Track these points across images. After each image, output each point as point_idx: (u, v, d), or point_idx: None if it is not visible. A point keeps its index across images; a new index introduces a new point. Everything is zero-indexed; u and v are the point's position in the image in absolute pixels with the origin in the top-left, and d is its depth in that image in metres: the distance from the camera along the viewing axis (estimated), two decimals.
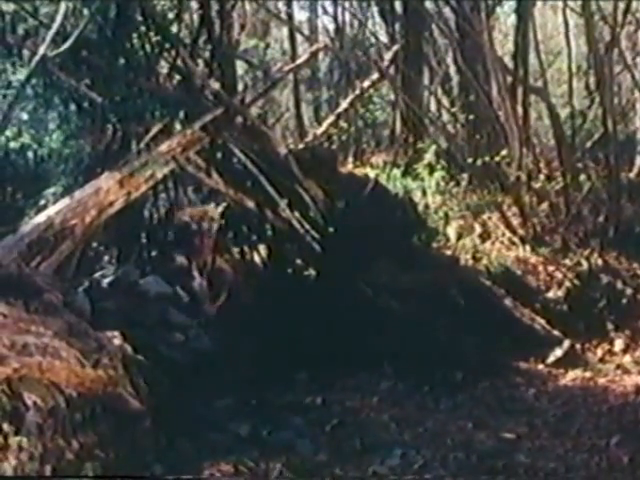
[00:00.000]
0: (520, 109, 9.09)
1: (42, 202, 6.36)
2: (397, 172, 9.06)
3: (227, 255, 6.39)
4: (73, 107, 6.33)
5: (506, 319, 6.52)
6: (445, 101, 10.87)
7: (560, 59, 11.89)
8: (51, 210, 5.49)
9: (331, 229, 6.78)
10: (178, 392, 4.67)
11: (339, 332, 5.77)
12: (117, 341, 4.48)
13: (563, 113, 9.62)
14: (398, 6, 10.75)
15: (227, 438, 4.42)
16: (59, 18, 5.78)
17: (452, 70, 10.94)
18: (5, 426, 3.39)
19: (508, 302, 6.72)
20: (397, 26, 10.93)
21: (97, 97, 6.14)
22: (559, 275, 7.47)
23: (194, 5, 7.09)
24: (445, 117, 10.76)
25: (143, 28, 6.44)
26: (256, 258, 7.00)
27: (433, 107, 11.27)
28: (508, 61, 9.92)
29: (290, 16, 12.42)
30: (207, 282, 5.89)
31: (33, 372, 3.63)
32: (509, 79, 9.13)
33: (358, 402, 5.20)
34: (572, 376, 5.99)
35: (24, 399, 3.53)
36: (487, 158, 8.54)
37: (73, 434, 3.74)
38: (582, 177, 8.66)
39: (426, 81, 11.05)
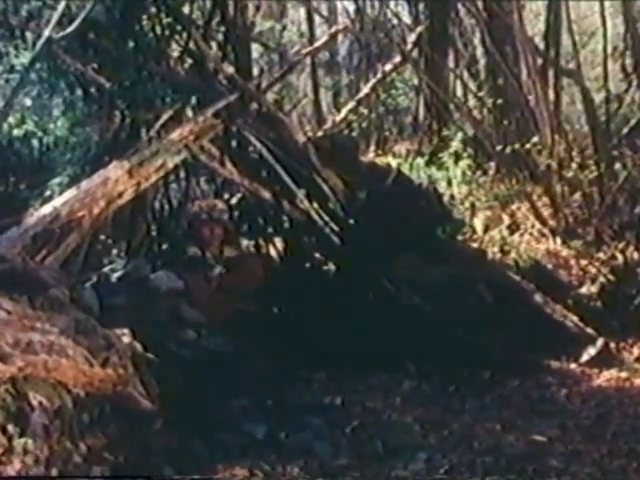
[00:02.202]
0: (551, 93, 9.04)
1: (47, 193, 6.40)
2: (421, 161, 9.04)
3: (240, 248, 6.37)
4: (79, 92, 6.36)
5: (536, 316, 6.48)
6: (472, 85, 10.81)
7: (595, 40, 11.80)
8: (57, 201, 5.52)
9: (351, 221, 6.75)
10: (191, 392, 4.68)
11: (359, 329, 5.76)
12: (126, 339, 4.49)
13: (597, 97, 9.54)
14: None
15: (242, 440, 4.42)
16: None
17: (479, 52, 10.88)
18: (10, 427, 3.40)
19: (538, 298, 6.68)
20: (421, 6, 10.89)
21: (105, 82, 6.16)
22: (592, 269, 7.42)
23: None
24: (472, 102, 10.70)
25: (153, 9, 6.45)
26: (272, 252, 7.01)
27: (459, 92, 11.23)
28: (539, 42, 9.87)
29: None
30: (226, 270, 5.88)
31: (38, 371, 3.64)
32: (540, 61, 9.07)
33: (380, 403, 5.18)
34: (607, 376, 5.95)
35: (29, 399, 3.55)
36: (516, 145, 8.48)
37: (81, 436, 3.75)
38: (617, 165, 8.58)
39: (451, 64, 10.99)
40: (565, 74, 9.72)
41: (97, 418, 3.92)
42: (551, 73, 9.14)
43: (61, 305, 4.28)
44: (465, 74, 11.00)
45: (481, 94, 10.23)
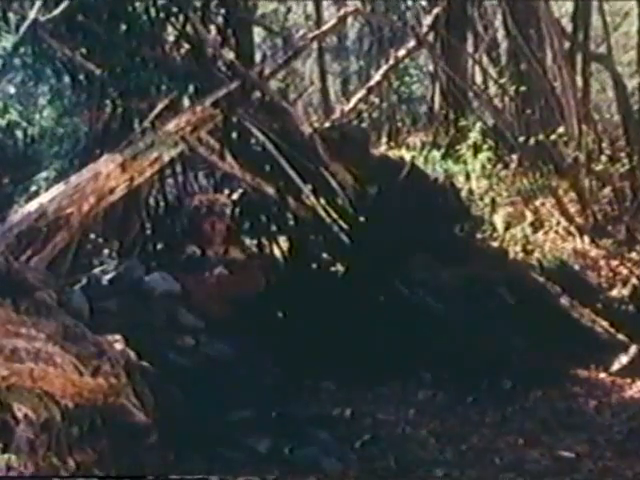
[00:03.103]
0: (579, 79, 9.02)
1: (33, 188, 6.41)
2: (437, 154, 9.02)
3: (242, 247, 6.38)
4: (67, 80, 6.36)
5: (562, 321, 6.47)
6: (492, 71, 10.79)
7: (628, 21, 11.76)
8: (43, 197, 5.52)
9: (361, 219, 6.75)
10: (188, 403, 4.69)
11: (370, 335, 5.76)
12: (119, 346, 4.50)
13: (630, 84, 9.53)
14: None
15: (243, 455, 4.44)
16: None
17: (500, 35, 10.86)
18: None
19: (564, 301, 6.67)
20: None
21: (94, 68, 6.16)
22: (624, 271, 7.41)
23: None
24: (492, 90, 10.69)
25: None
26: (276, 251, 7.01)
27: (478, 78, 11.21)
28: (566, 24, 9.84)
29: None
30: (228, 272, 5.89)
31: (24, 380, 3.65)
32: (567, 45, 9.05)
33: (392, 414, 5.19)
34: None
35: (13, 411, 3.56)
36: (540, 136, 8.47)
37: (69, 451, 3.76)
38: None
39: (470, 48, 10.97)
40: (595, 59, 9.70)
41: (87, 432, 3.93)
42: (579, 58, 9.13)
43: (48, 309, 4.29)
44: (485, 59, 10.98)
45: (502, 81, 10.21)
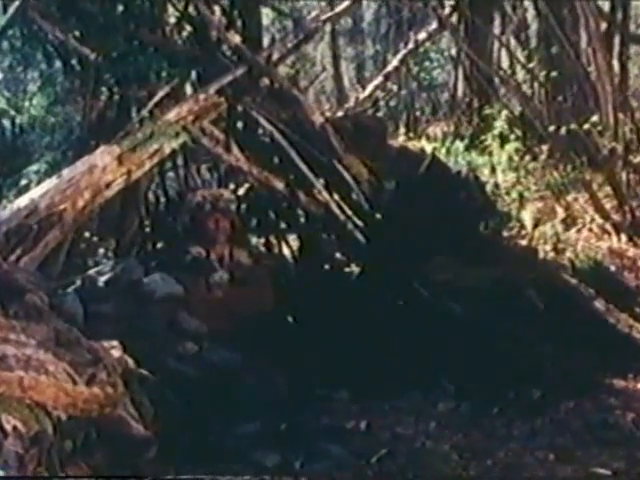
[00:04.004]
0: (616, 64, 8.99)
1: (23, 182, 6.45)
2: (459, 145, 9.04)
3: (249, 249, 6.39)
4: (59, 65, 6.38)
5: (596, 326, 6.45)
6: (520, 55, 10.78)
7: None
8: (34, 192, 5.55)
9: (378, 216, 6.76)
10: (191, 414, 4.70)
11: (387, 342, 5.76)
12: (116, 352, 4.51)
13: None
14: None
15: (251, 470, 4.43)
16: None
17: (530, 16, 10.85)
18: None
19: (599, 305, 6.64)
20: None
21: (89, 53, 6.18)
22: None
23: None
24: (520, 75, 10.68)
25: None
26: (285, 251, 7.02)
27: (505, 63, 11.21)
28: (603, 3, 9.80)
29: None
30: (230, 277, 5.90)
31: (13, 390, 3.66)
32: (603, 26, 9.02)
33: (411, 427, 5.18)
34: None
35: (1, 423, 3.56)
36: (572, 125, 8.46)
37: (61, 466, 3.77)
38: None
39: (497, 30, 10.97)
40: (634, 41, 9.68)
41: (81, 446, 3.94)
42: (617, 40, 9.09)
43: (39, 313, 4.31)
44: (513, 42, 10.97)
45: (531, 65, 10.20)
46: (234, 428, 4.83)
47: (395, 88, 10.80)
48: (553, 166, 8.95)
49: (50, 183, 5.57)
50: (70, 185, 5.57)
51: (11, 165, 6.52)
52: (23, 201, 5.45)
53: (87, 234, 6.48)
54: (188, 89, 6.59)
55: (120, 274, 5.68)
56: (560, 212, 8.21)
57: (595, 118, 8.44)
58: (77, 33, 6.23)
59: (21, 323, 4.10)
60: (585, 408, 5.57)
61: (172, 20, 6.78)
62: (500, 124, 9.07)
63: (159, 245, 6.61)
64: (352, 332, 5.85)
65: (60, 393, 3.84)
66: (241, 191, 6.85)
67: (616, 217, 8.17)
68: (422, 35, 10.50)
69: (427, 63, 12.05)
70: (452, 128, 10.24)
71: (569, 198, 8.47)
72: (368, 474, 4.54)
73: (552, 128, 8.80)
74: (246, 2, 6.95)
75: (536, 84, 10.11)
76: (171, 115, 6.15)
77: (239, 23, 6.89)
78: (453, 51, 11.43)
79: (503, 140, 8.86)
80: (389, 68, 10.55)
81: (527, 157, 8.96)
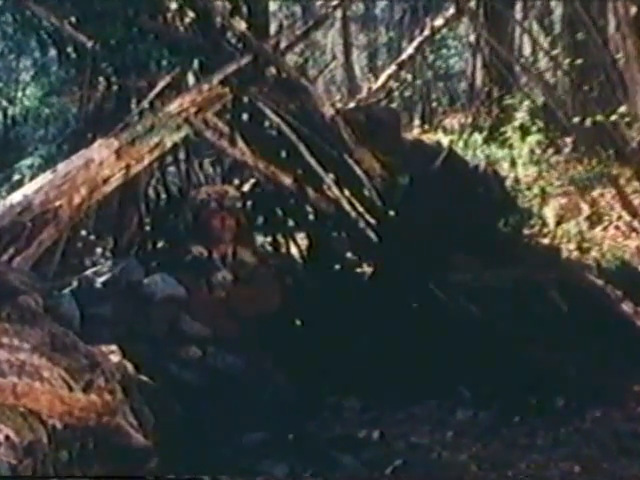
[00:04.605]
0: None
1: (16, 177, 6.46)
2: (478, 137, 9.05)
3: (253, 248, 6.40)
4: (53, 53, 6.39)
5: (624, 329, 6.44)
6: (543, 41, 10.78)
7: None
8: (28, 188, 5.57)
9: (391, 212, 6.75)
10: (194, 423, 4.70)
11: (402, 346, 5.76)
12: (115, 357, 4.53)
13: None
14: None
15: None
16: None
17: None
18: None
19: (626, 307, 6.63)
20: None
21: (85, 40, 6.19)
22: None
23: None
24: (543, 63, 10.68)
25: None
26: (293, 251, 7.02)
27: (527, 50, 11.21)
28: None
29: None
30: (233, 277, 5.91)
31: (5, 397, 3.67)
32: (633, 9, 8.99)
33: (427, 437, 5.18)
34: None
35: None
36: (599, 117, 8.45)
37: (57, 478, 3.77)
38: None
39: (518, 15, 10.96)
40: None
41: (77, 456, 3.94)
42: None
43: (33, 316, 4.32)
44: (535, 27, 10.97)
45: (555, 52, 10.19)
46: (239, 437, 4.84)
47: (410, 77, 10.82)
48: (577, 160, 8.97)
49: (44, 178, 5.58)
50: (66, 180, 5.59)
51: (3, 159, 6.54)
52: (16, 197, 5.46)
53: (84, 232, 6.49)
54: (190, 79, 6.59)
55: (119, 275, 5.69)
56: (585, 209, 8.21)
57: (623, 109, 8.43)
58: (73, 19, 6.24)
59: (14, 326, 4.11)
60: (613, 417, 5.55)
61: (173, 6, 6.77)
62: (521, 115, 9.09)
63: (160, 244, 6.62)
64: (364, 336, 5.87)
65: (55, 400, 3.85)
66: (246, 187, 6.85)
67: None
68: (439, 21, 10.48)
69: (444, 51, 12.08)
70: (470, 119, 10.25)
71: (594, 194, 8.47)
72: None
73: (577, 119, 8.80)
74: None
75: (560, 72, 10.11)
76: (172, 107, 6.16)
77: (244, 9, 6.88)
78: (472, 37, 11.44)
79: (524, 132, 8.87)
80: (403, 56, 10.53)
81: (550, 150, 8.97)
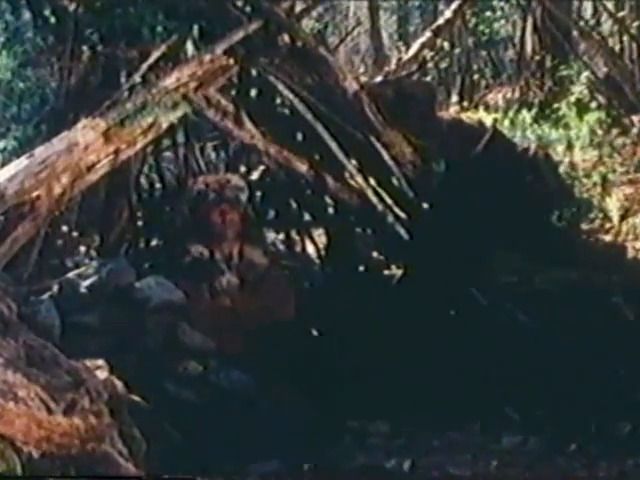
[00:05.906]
0: None
1: None
2: (527, 116, 9.03)
3: (263, 247, 6.43)
4: (28, 16, 6.41)
5: None
6: (607, 1, 10.75)
7: None
8: (0, 175, 5.59)
9: (424, 205, 6.77)
10: (194, 450, 4.73)
11: (437, 361, 5.78)
12: (102, 373, 4.55)
13: None
14: None
15: None
16: None
17: None
18: None
19: None
20: None
21: (67, 3, 6.21)
22: None
23: None
24: (606, 27, 10.66)
25: None
26: (310, 250, 7.04)
27: (588, 11, 11.18)
28: None
29: None
30: (239, 281, 5.95)
31: None
32: None
33: (467, 467, 5.20)
34: None
35: None
36: None
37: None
38: None
39: None
40: None
41: None
42: None
43: (6, 325, 4.35)
44: None
45: (621, 14, 10.16)
46: (247, 467, 4.87)
47: (447, 46, 10.80)
48: None
49: (19, 164, 5.61)
50: (44, 167, 5.61)
51: None
52: None
53: (65, 228, 6.52)
54: (190, 48, 6.61)
55: (106, 278, 5.72)
56: None
57: None
58: None
59: None
60: None
61: None
62: (579, 89, 9.07)
63: (154, 242, 6.65)
64: (393, 349, 5.88)
65: (32, 424, 3.88)
66: (255, 175, 6.89)
67: None
68: None
69: (488, 13, 12.02)
70: (518, 94, 10.23)
71: None
72: None
73: None
74: None
75: (626, 38, 10.07)
76: (169, 81, 6.18)
77: None
78: None
79: (582, 109, 8.85)
80: (440, 21, 10.53)
81: (613, 131, 8.93)
